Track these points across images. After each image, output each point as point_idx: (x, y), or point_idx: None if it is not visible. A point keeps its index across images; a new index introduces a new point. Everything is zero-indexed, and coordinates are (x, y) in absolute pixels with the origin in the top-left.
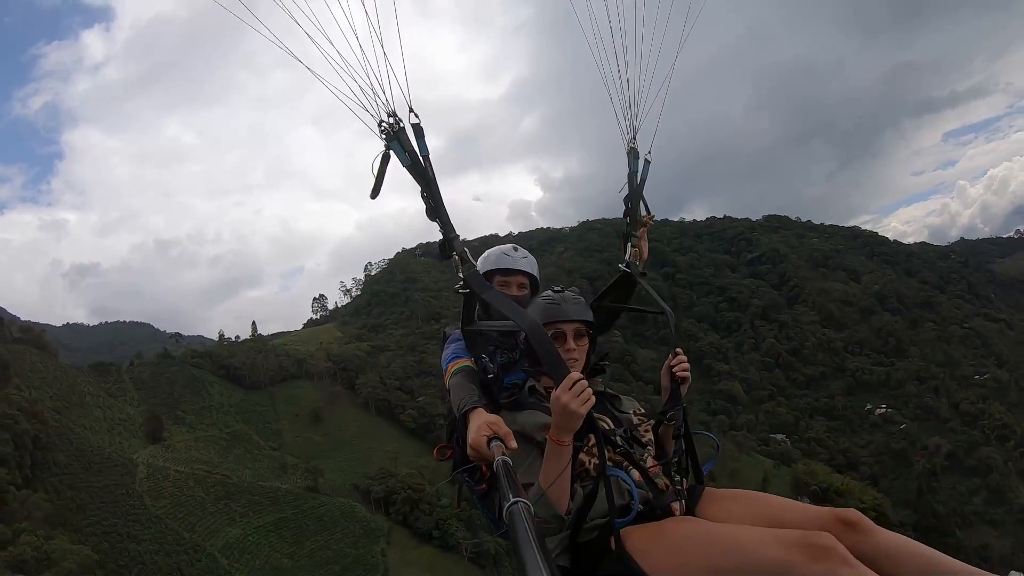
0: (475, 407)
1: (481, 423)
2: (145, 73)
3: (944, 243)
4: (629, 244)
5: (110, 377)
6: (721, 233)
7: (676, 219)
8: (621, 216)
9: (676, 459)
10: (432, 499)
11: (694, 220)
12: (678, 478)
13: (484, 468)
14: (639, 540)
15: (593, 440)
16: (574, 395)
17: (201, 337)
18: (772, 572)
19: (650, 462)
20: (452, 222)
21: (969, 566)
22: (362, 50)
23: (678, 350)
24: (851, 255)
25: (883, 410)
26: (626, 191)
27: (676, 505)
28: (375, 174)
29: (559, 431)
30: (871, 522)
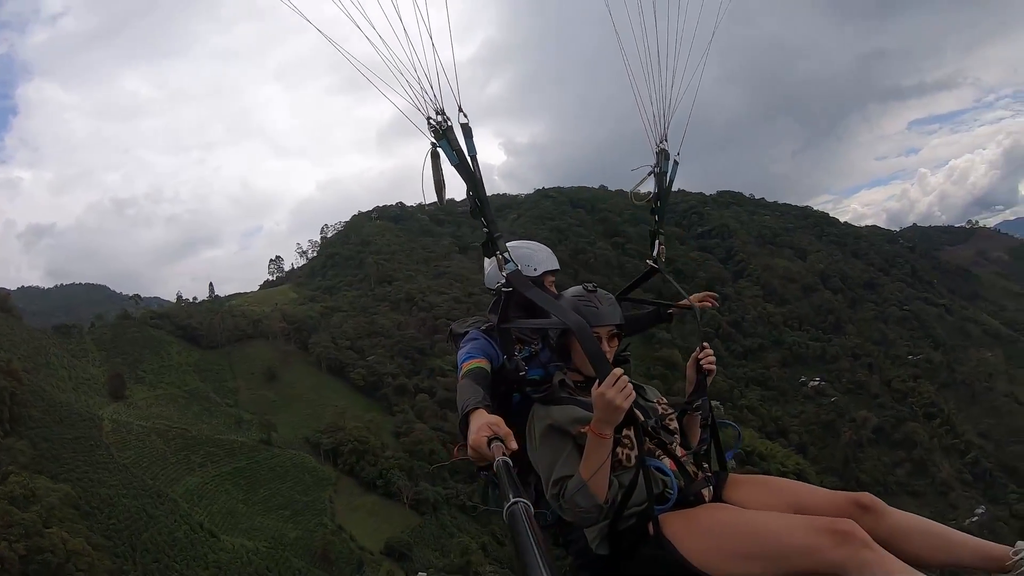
0: (476, 408)
1: (481, 424)
2: (105, 24)
3: (900, 228)
4: (657, 242)
5: (72, 339)
6: (674, 206)
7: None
8: (628, 192)
9: (704, 447)
10: (377, 450)
11: (648, 191)
12: (706, 465)
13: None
14: (676, 526)
15: (628, 431)
16: (618, 391)
17: (159, 299)
18: (801, 556)
19: (680, 451)
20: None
21: (974, 537)
22: (412, 49)
23: (705, 344)
24: (800, 234)
25: (816, 382)
26: (648, 182)
27: (706, 491)
28: (430, 174)
29: (601, 425)
30: (885, 504)
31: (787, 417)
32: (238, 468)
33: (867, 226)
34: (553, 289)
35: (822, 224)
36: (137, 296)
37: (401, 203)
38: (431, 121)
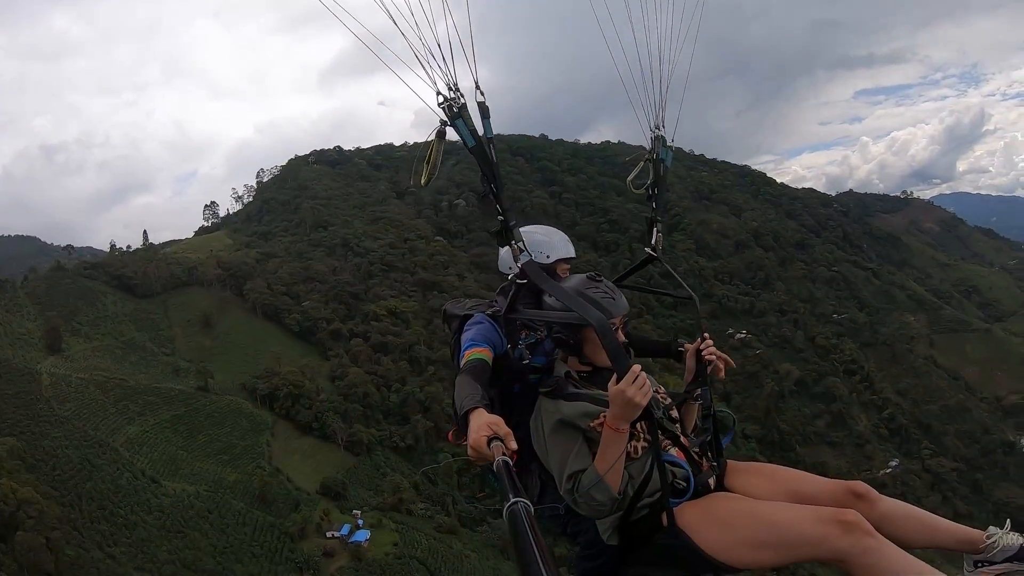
0: (476, 407)
1: (481, 423)
2: None
3: (838, 192)
4: (655, 230)
5: (6, 293)
6: (613, 158)
7: (571, 140)
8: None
9: (708, 437)
10: (312, 394)
11: (589, 143)
12: (710, 454)
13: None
14: (689, 517)
15: (639, 424)
16: (637, 388)
17: (92, 248)
18: (810, 544)
19: (683, 441)
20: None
21: (952, 522)
22: (424, 19)
23: (706, 335)
24: (737, 192)
25: (743, 335)
26: (643, 171)
27: (711, 480)
28: (428, 155)
29: (618, 420)
30: (876, 492)
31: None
32: (177, 416)
33: (804, 188)
34: (562, 277)
35: (759, 184)
36: (70, 247)
37: (339, 147)
38: (441, 97)
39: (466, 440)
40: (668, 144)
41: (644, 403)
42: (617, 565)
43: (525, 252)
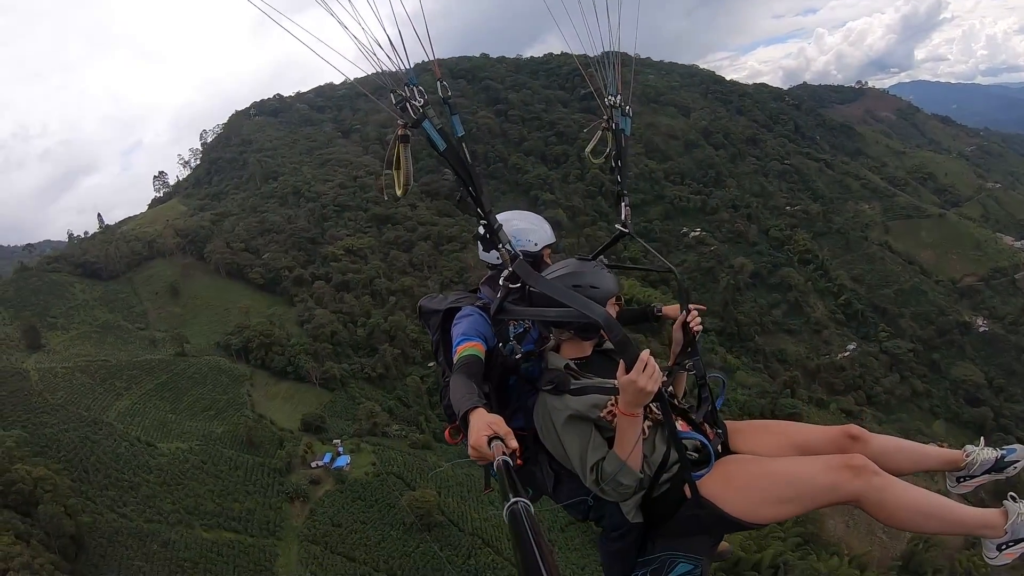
0: (475, 407)
1: (481, 423)
2: None
3: (792, 86)
4: (623, 204)
5: None
6: (556, 70)
7: (513, 56)
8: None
9: (709, 407)
10: (283, 341)
11: (531, 57)
12: (713, 421)
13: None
14: (712, 486)
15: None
16: (648, 375)
17: (50, 242)
18: (827, 492)
19: (692, 416)
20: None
21: (934, 447)
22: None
23: (691, 307)
24: (685, 92)
25: (697, 233)
26: (601, 140)
27: (719, 447)
28: (394, 163)
29: (631, 406)
30: (868, 432)
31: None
32: (160, 383)
33: (755, 84)
34: (550, 261)
35: (708, 82)
36: (29, 246)
37: (279, 95)
38: (396, 96)
39: (463, 437)
40: (626, 113)
41: (656, 389)
42: (643, 541)
43: (519, 256)
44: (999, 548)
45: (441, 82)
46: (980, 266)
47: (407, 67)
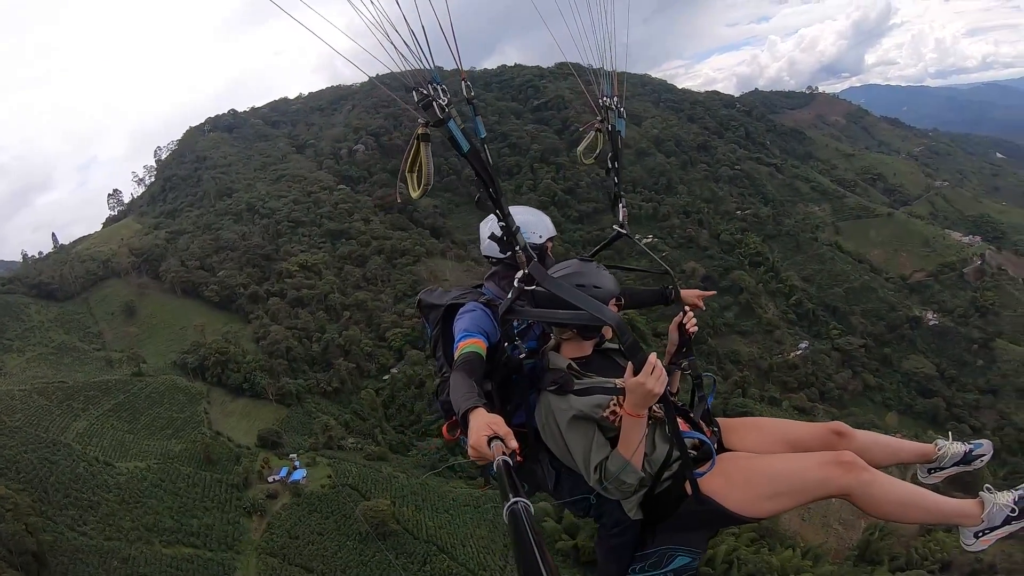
0: (475, 407)
1: (482, 423)
2: None
3: (743, 92)
4: (620, 205)
5: None
6: (510, 81)
7: (468, 68)
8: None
9: (706, 407)
10: (238, 358)
11: (484, 69)
12: (708, 419)
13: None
14: (710, 482)
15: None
16: (655, 378)
17: (3, 261)
18: (819, 486)
19: (691, 415)
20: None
21: (910, 441)
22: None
23: (687, 308)
24: (637, 101)
25: (648, 239)
26: (593, 141)
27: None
28: (407, 161)
29: (637, 407)
30: (852, 428)
31: (620, 273)
32: (118, 403)
33: (706, 92)
34: (552, 255)
35: (660, 91)
36: None
37: (233, 110)
38: (419, 94)
39: (460, 435)
40: (621, 114)
41: (662, 391)
42: (643, 537)
43: (532, 256)
44: (976, 535)
45: (465, 81)
46: (929, 262)
47: (431, 65)
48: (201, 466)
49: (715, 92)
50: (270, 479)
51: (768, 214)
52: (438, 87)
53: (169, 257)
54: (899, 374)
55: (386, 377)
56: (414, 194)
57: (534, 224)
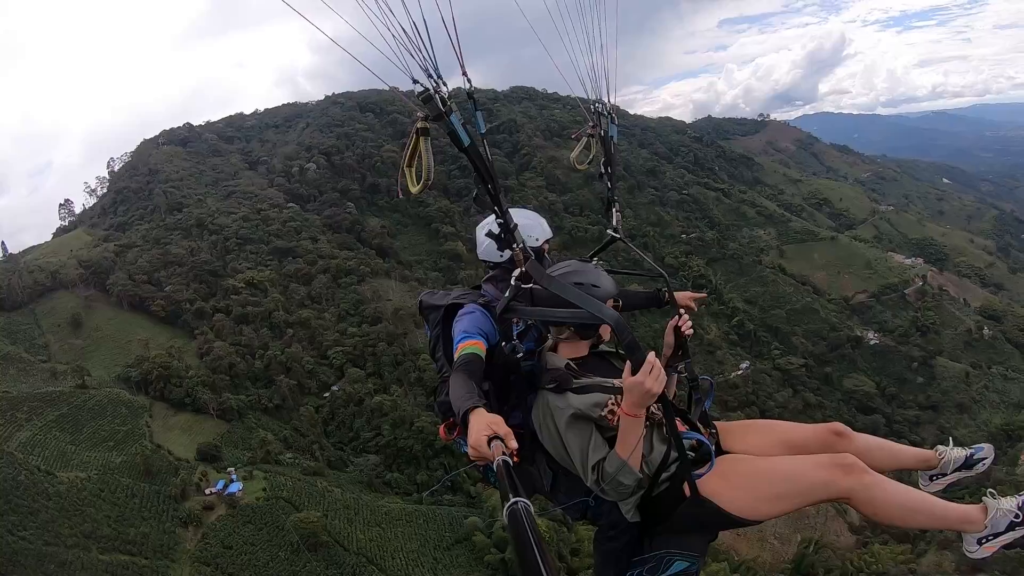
0: (475, 407)
1: (481, 424)
2: None
3: (697, 119)
4: (614, 209)
5: None
6: (463, 104)
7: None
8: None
9: (703, 409)
10: (181, 372)
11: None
12: (705, 422)
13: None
14: (709, 484)
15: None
16: (654, 378)
17: None
18: (819, 489)
19: (690, 417)
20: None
21: (910, 447)
22: None
23: (682, 311)
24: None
25: (595, 262)
26: (586, 147)
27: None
28: (406, 156)
29: (636, 407)
30: (851, 430)
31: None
32: (61, 415)
33: (658, 118)
34: (548, 257)
35: (612, 116)
36: None
37: (188, 123)
38: (423, 89)
39: (457, 436)
40: (614, 120)
41: (661, 390)
42: (640, 540)
43: (529, 253)
44: (979, 542)
45: (466, 75)
46: (871, 284)
47: (432, 58)
48: (140, 478)
49: (667, 118)
50: (207, 491)
51: (713, 237)
52: (440, 81)
53: (117, 271)
54: (840, 392)
55: (326, 394)
56: (413, 189)
57: (531, 227)
